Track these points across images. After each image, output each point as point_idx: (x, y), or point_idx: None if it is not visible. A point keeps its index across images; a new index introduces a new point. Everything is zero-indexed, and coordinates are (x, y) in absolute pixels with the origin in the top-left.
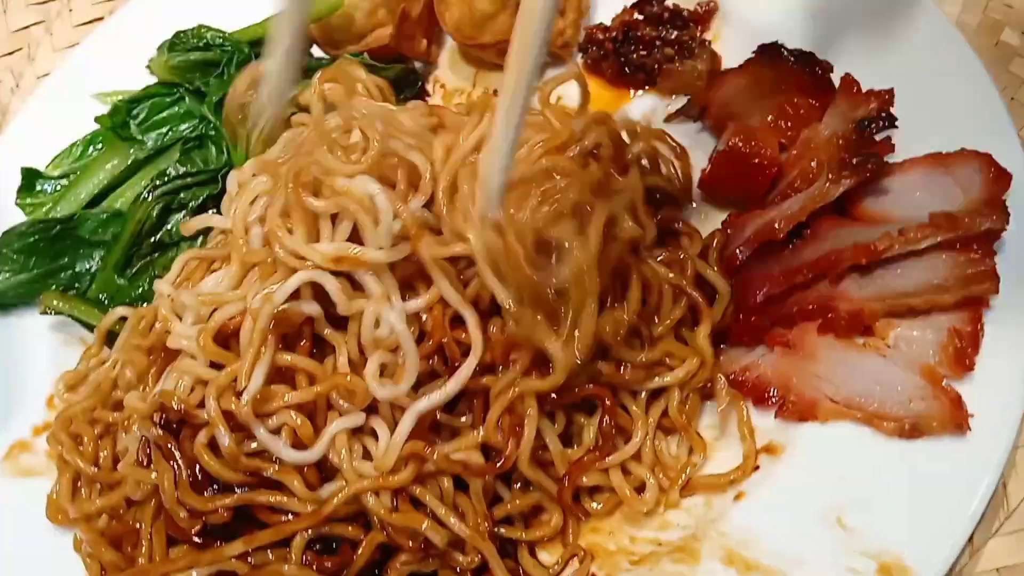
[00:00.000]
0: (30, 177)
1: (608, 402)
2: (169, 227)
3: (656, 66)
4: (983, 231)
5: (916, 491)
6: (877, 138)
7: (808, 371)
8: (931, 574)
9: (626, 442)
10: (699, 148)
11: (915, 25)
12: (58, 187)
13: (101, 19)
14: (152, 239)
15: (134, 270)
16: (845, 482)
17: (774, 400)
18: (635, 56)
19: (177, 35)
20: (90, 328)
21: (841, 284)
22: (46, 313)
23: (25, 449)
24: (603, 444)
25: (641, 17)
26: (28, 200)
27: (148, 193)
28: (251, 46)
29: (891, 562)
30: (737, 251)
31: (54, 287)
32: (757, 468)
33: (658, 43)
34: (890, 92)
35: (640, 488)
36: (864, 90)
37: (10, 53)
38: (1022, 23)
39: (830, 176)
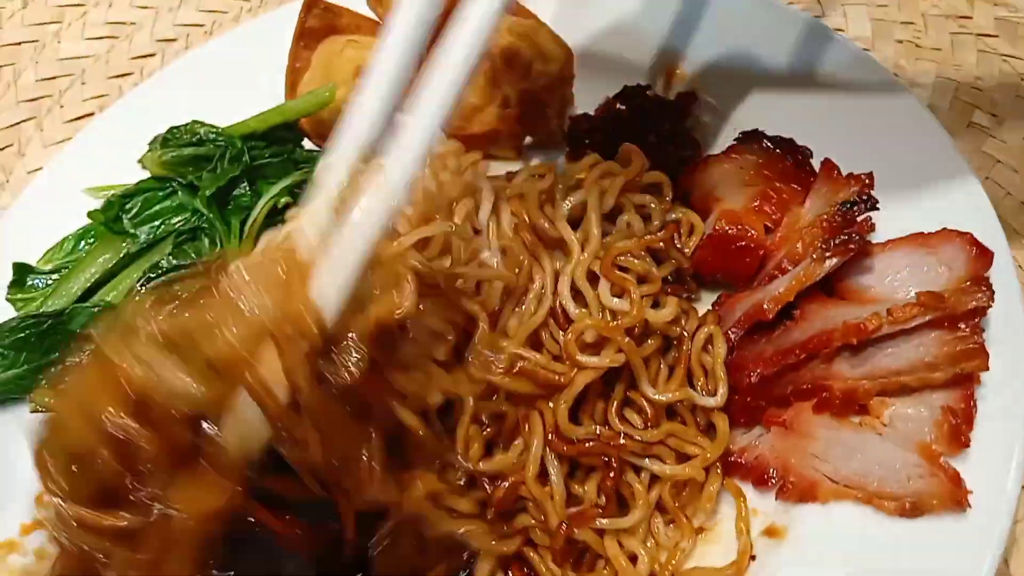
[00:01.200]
0: (21, 272)
1: (615, 464)
2: None
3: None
4: (969, 309)
5: (922, 570)
6: (859, 219)
7: (806, 451)
8: None
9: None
10: None
11: (890, 111)
12: (49, 281)
13: (91, 115)
14: None
15: None
16: (849, 563)
17: (774, 481)
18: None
19: (170, 131)
20: None
21: (834, 363)
22: (37, 411)
23: (14, 549)
24: (607, 504)
25: (623, 107)
26: (19, 295)
27: (141, 286)
28: (243, 140)
29: None
30: (729, 333)
31: (44, 382)
32: (753, 558)
33: (641, 132)
34: (870, 175)
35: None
36: (844, 174)
37: (1, 149)
38: (991, 105)
39: (814, 256)
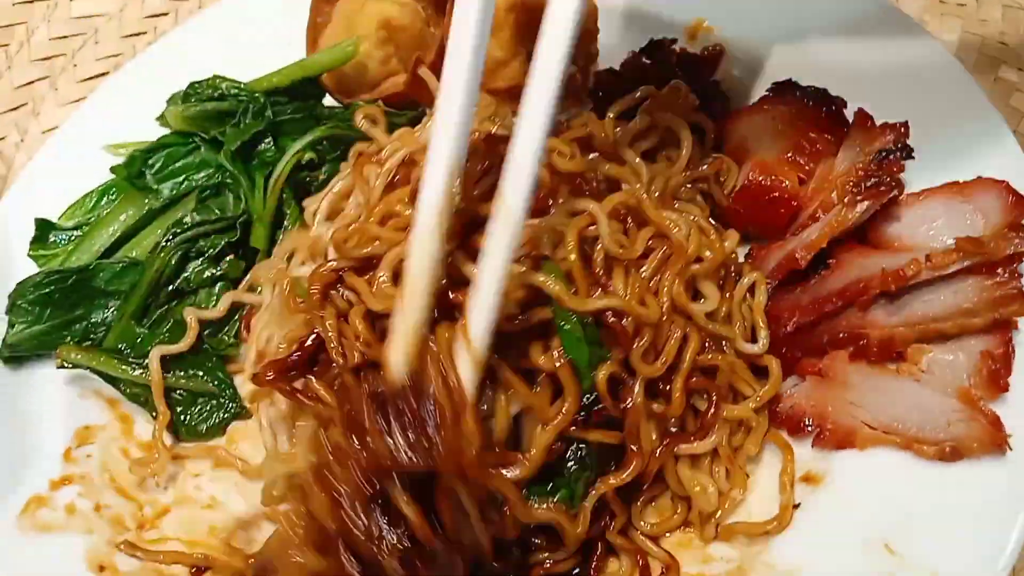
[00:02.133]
0: (43, 228)
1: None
2: (187, 275)
3: None
4: (1008, 254)
5: (961, 513)
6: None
7: (843, 399)
8: None
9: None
10: None
11: (919, 62)
12: (72, 238)
13: (106, 74)
14: (170, 287)
15: (152, 319)
16: (889, 508)
17: (810, 429)
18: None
19: (191, 86)
20: (109, 380)
21: (870, 311)
22: (63, 367)
23: (43, 504)
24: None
25: (650, 62)
26: (41, 251)
27: (166, 241)
28: (267, 96)
29: None
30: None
31: (68, 338)
32: (797, 506)
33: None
34: (905, 124)
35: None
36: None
37: (15, 108)
38: (1017, 60)
39: (846, 201)
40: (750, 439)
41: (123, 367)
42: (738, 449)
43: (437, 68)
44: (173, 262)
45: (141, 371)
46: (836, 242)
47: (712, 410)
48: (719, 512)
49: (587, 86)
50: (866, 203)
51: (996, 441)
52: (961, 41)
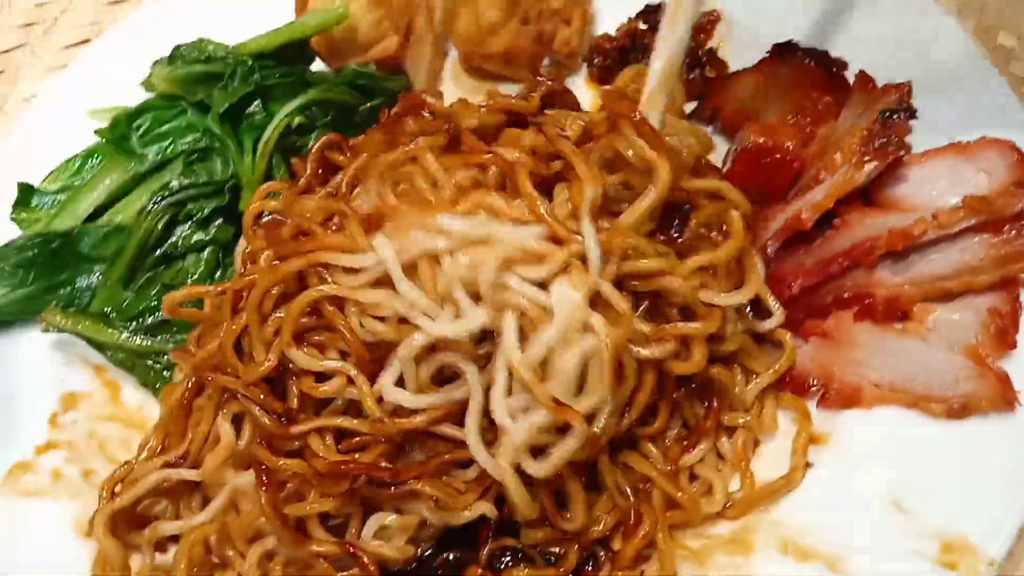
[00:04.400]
0: (26, 192)
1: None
2: (174, 239)
3: None
4: (1015, 212)
5: (971, 469)
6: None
7: (848, 358)
8: (996, 548)
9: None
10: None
11: (918, 25)
12: (55, 202)
13: (87, 41)
14: (157, 252)
15: (139, 284)
16: (897, 465)
17: (815, 389)
18: (643, 64)
19: (177, 48)
20: (94, 344)
21: (876, 271)
22: (48, 331)
23: (28, 469)
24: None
25: (646, 26)
26: (24, 215)
27: (153, 206)
28: (255, 59)
29: (954, 541)
30: (767, 245)
31: (53, 303)
32: (809, 465)
33: None
34: (908, 84)
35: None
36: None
37: None
38: (1017, 27)
39: (853, 162)
40: (765, 418)
41: (109, 331)
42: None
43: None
44: (160, 227)
45: (128, 335)
46: (840, 203)
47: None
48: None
49: (584, 49)
50: (874, 163)
51: (1005, 398)
52: (960, 7)
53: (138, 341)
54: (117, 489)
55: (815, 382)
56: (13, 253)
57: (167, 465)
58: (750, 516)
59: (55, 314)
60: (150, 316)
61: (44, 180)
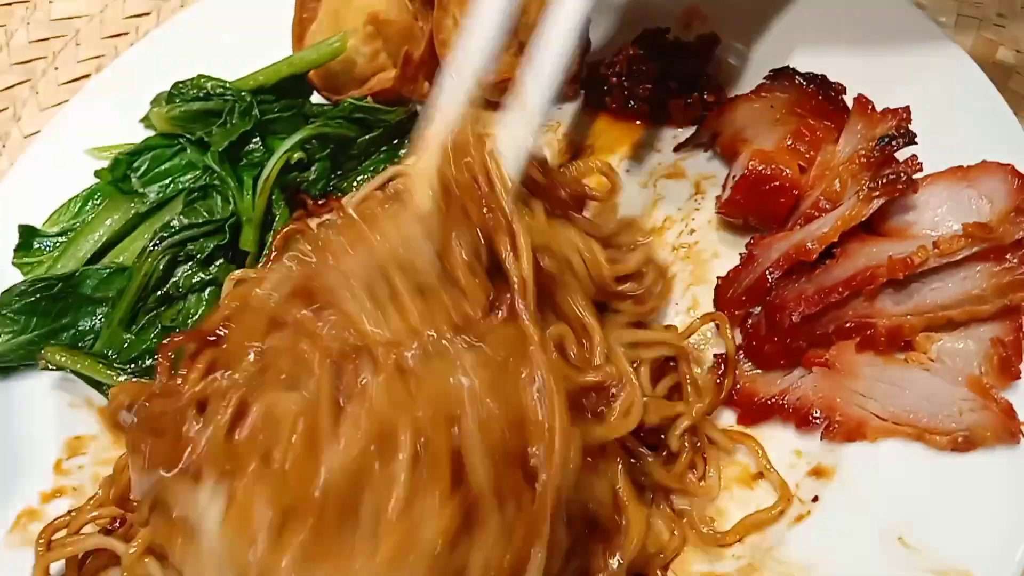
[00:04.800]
0: (28, 235)
1: None
2: (176, 279)
3: (661, 99)
4: (1017, 239)
5: (976, 504)
6: (898, 155)
7: (851, 390)
8: None
9: None
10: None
11: (917, 45)
12: (57, 244)
13: (88, 76)
14: (159, 292)
15: (140, 325)
16: (902, 500)
17: (818, 421)
18: (640, 90)
19: (176, 86)
20: (94, 384)
21: (877, 300)
22: (47, 369)
23: (34, 518)
24: None
25: (642, 52)
26: (25, 259)
27: (153, 246)
28: (253, 94)
29: None
30: (767, 274)
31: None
32: (816, 500)
33: (661, 76)
34: (907, 109)
35: None
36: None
37: None
38: (1015, 41)
39: (859, 195)
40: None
41: (108, 372)
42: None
43: (426, 63)
44: (161, 267)
45: (126, 377)
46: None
47: None
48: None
49: (580, 76)
50: (883, 199)
51: (1009, 430)
52: (957, 23)
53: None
54: (56, 537)
55: (819, 413)
56: (15, 299)
57: (105, 531)
58: (755, 553)
59: (55, 352)
60: (149, 358)
61: (45, 222)
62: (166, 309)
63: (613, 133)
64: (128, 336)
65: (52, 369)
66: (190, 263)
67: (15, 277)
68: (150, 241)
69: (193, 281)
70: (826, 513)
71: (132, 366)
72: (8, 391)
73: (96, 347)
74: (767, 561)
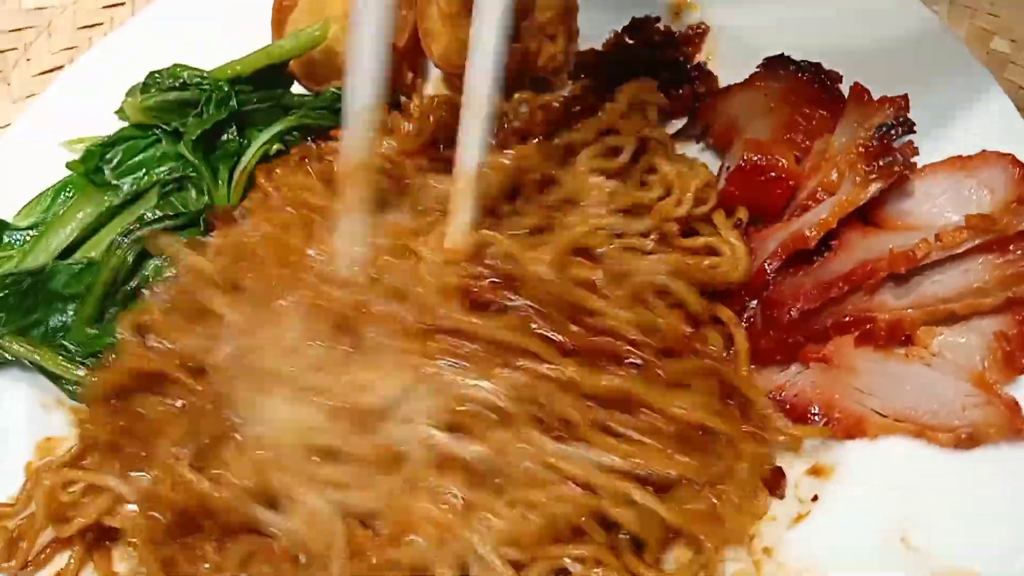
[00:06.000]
0: None
1: None
2: (146, 273)
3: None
4: (1021, 230)
5: (980, 502)
6: (896, 144)
7: (850, 386)
8: None
9: None
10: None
11: (911, 34)
12: (27, 238)
13: (61, 67)
14: (127, 287)
15: (106, 320)
16: (904, 499)
17: (817, 418)
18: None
19: (151, 75)
20: (49, 376)
21: (877, 294)
22: (3, 357)
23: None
24: None
25: (632, 41)
26: None
27: (123, 239)
28: (231, 84)
29: None
30: (765, 266)
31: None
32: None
33: (650, 67)
34: (905, 97)
35: None
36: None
37: None
38: (1010, 30)
39: (857, 180)
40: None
41: (66, 364)
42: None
43: (410, 52)
44: (130, 260)
45: (84, 371)
46: (840, 222)
47: None
48: None
49: (569, 65)
50: (880, 183)
51: (1014, 426)
52: (951, 12)
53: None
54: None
55: (817, 410)
56: None
57: None
58: (752, 555)
59: (11, 340)
60: (111, 354)
61: (16, 215)
62: (133, 303)
63: None
64: (91, 331)
65: (9, 359)
66: (162, 256)
67: None
68: (121, 235)
69: (164, 275)
70: (826, 513)
71: (91, 360)
72: None
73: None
74: (766, 563)
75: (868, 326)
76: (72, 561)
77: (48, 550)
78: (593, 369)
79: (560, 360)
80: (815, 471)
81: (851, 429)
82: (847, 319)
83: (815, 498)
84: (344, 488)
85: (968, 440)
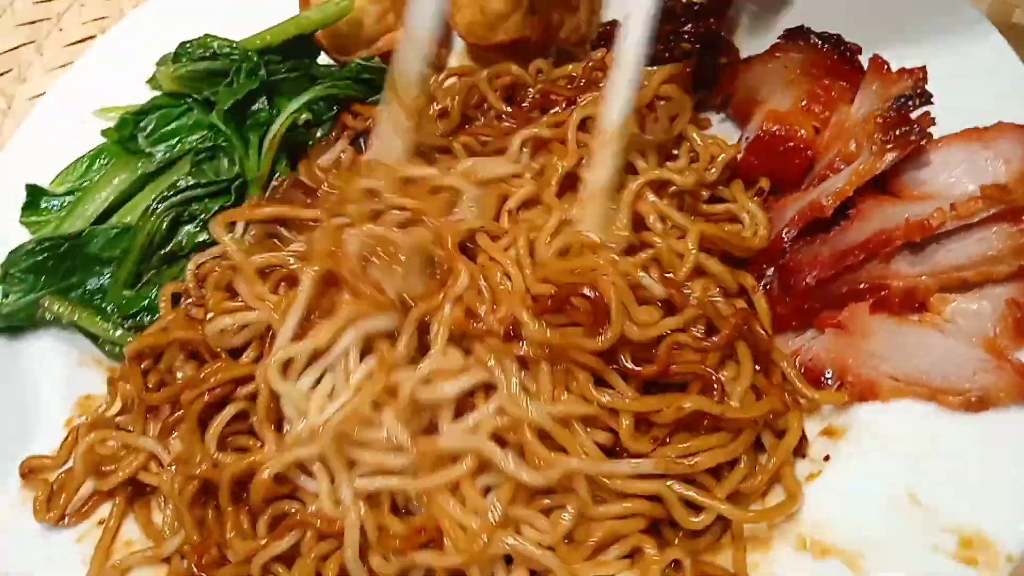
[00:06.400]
0: (35, 194)
1: None
2: (179, 239)
3: (673, 61)
4: None
5: (988, 463)
6: (913, 115)
7: (864, 350)
8: (1014, 543)
9: None
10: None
11: (933, 6)
12: (64, 204)
13: (93, 37)
14: (162, 252)
15: (142, 283)
16: (914, 459)
17: (830, 382)
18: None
19: (182, 45)
20: (89, 336)
21: (892, 262)
22: (44, 317)
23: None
24: None
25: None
26: (33, 218)
27: (157, 205)
28: (260, 54)
29: (972, 535)
30: (783, 234)
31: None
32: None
33: (673, 37)
34: (923, 69)
35: None
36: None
37: (0, 74)
38: None
39: (874, 149)
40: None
41: (105, 325)
42: None
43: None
44: (164, 226)
45: (122, 332)
46: (856, 191)
47: None
48: None
49: (590, 36)
50: (895, 152)
51: (1023, 390)
52: None
53: (130, 338)
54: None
55: (831, 374)
56: (23, 258)
57: None
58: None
59: (54, 300)
60: (146, 315)
61: (52, 182)
62: (167, 268)
63: None
64: (127, 293)
65: (49, 317)
66: (195, 223)
67: (23, 238)
68: (155, 200)
69: (197, 241)
70: (838, 472)
71: (129, 320)
72: (19, 351)
73: (102, 306)
74: (778, 519)
75: (883, 293)
76: (114, 512)
77: (91, 502)
78: (661, 396)
79: (623, 386)
80: (828, 432)
81: (864, 392)
82: (862, 286)
83: (827, 458)
84: (386, 474)
85: (978, 403)
